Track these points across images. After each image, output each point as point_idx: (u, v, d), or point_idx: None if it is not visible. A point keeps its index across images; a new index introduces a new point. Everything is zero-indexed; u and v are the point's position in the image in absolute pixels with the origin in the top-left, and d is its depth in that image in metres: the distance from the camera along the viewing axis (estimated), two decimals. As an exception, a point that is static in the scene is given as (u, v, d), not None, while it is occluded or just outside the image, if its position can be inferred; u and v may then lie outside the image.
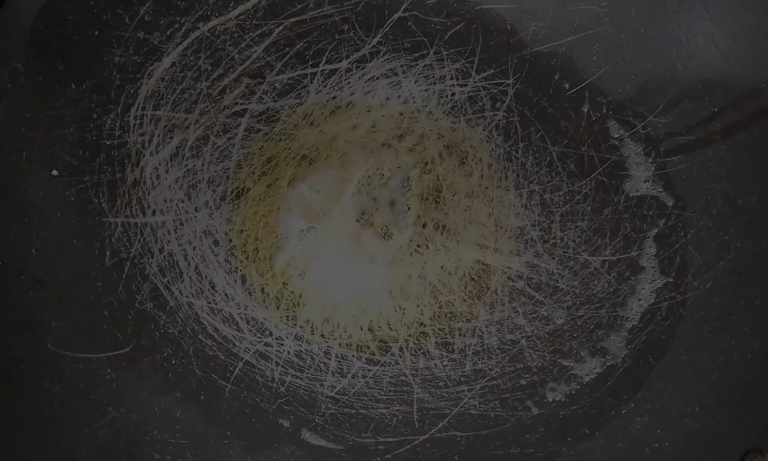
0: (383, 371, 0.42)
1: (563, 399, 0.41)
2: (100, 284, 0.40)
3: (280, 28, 0.43)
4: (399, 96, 0.43)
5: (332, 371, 0.42)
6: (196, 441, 0.39)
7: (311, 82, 0.43)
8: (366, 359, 0.42)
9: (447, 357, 0.42)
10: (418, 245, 0.42)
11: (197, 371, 0.40)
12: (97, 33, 0.40)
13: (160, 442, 0.39)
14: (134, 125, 0.41)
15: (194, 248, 0.41)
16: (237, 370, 0.41)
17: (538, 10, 0.43)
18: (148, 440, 0.39)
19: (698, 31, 0.41)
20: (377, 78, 0.43)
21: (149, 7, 0.41)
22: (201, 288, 0.41)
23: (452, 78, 0.43)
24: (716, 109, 0.41)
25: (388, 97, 0.43)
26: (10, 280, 0.38)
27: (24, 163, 0.38)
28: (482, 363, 0.42)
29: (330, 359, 0.42)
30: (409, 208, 0.42)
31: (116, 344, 0.39)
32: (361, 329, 0.42)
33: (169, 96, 0.41)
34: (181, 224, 0.41)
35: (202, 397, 0.40)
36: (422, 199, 0.43)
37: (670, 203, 0.42)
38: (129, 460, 0.38)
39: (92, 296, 0.39)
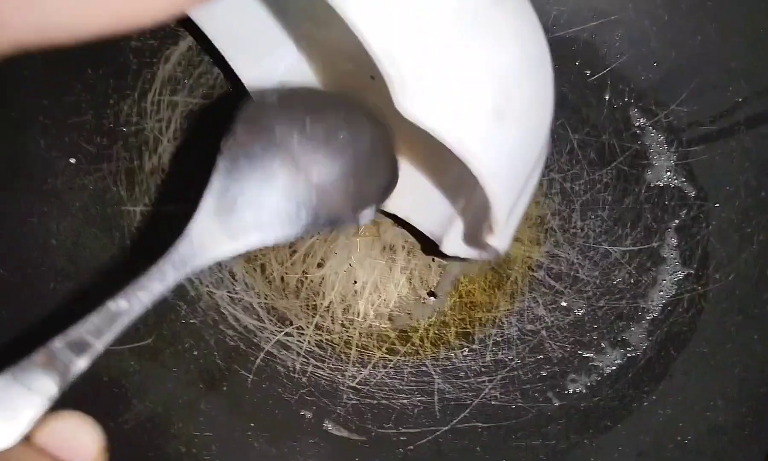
0: (404, 361, 0.42)
1: (584, 391, 0.41)
2: (121, 274, 0.39)
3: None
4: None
5: (353, 361, 0.42)
6: (221, 434, 0.39)
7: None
8: (387, 349, 0.42)
9: (467, 347, 0.42)
10: (438, 234, 0.42)
11: (219, 361, 0.40)
12: (112, 16, 0.39)
13: (186, 435, 0.39)
14: (151, 110, 0.40)
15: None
16: (258, 361, 0.41)
17: (560, -7, 0.42)
18: (174, 433, 0.39)
19: (723, 19, 0.40)
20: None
21: (166, -11, 0.40)
22: (221, 278, 0.41)
23: (471, 64, 0.43)
24: (740, 100, 0.40)
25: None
26: (31, 271, 0.37)
27: (42, 151, 0.38)
28: (502, 354, 0.42)
29: (351, 349, 0.42)
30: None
31: (138, 335, 0.39)
32: (382, 318, 0.42)
33: (186, 81, 0.41)
34: (200, 213, 0.41)
35: (224, 388, 0.40)
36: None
37: (692, 194, 0.41)
38: (155, 454, 0.38)
39: (113, 286, 0.39)
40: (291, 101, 0.32)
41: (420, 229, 0.39)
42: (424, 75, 0.25)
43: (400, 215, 0.39)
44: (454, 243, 0.37)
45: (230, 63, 0.37)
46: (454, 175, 0.37)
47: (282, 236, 0.30)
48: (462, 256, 0.37)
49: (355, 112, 0.33)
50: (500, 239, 0.32)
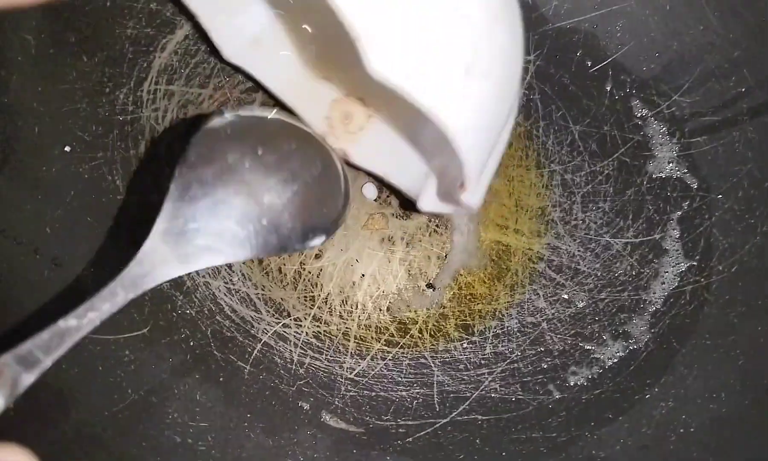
0: (402, 353, 0.41)
1: (585, 383, 0.41)
2: (115, 264, 0.39)
3: (296, 0, 0.41)
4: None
5: (351, 352, 0.41)
6: (217, 424, 0.39)
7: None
8: (385, 341, 0.41)
9: (467, 339, 0.41)
10: (437, 225, 0.42)
11: (216, 352, 0.40)
12: (108, 4, 0.39)
13: (181, 425, 0.38)
14: (147, 99, 0.40)
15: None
16: (255, 352, 0.40)
17: (561, -16, 0.42)
18: (169, 422, 0.38)
19: (726, 8, 0.40)
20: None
21: (162, -23, 0.39)
22: (218, 268, 0.41)
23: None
24: (743, 90, 0.40)
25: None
26: (26, 259, 0.37)
27: (36, 138, 0.37)
28: (502, 346, 0.41)
29: (349, 340, 0.41)
30: (428, 187, 0.42)
31: (134, 325, 0.39)
32: (380, 310, 0.41)
33: (183, 70, 0.40)
34: (197, 203, 0.40)
35: (221, 379, 0.40)
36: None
37: (695, 185, 0.41)
38: (150, 443, 0.38)
39: (108, 275, 0.38)
40: (244, 128, 0.33)
41: (397, 187, 0.39)
42: (391, 32, 0.25)
43: (377, 172, 0.39)
44: (430, 200, 0.37)
45: (201, 21, 0.37)
46: (427, 133, 0.37)
47: (232, 259, 0.31)
48: (438, 212, 0.37)
49: (307, 142, 0.35)
50: (473, 195, 0.32)
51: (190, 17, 0.39)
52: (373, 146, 0.39)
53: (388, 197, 0.41)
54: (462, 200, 0.32)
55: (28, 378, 0.26)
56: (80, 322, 0.27)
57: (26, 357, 0.26)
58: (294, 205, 0.33)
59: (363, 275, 0.42)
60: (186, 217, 0.31)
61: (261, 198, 0.32)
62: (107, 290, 0.28)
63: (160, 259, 0.30)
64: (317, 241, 0.34)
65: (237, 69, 0.39)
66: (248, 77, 0.39)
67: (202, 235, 0.31)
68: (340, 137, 0.38)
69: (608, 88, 0.41)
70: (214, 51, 0.40)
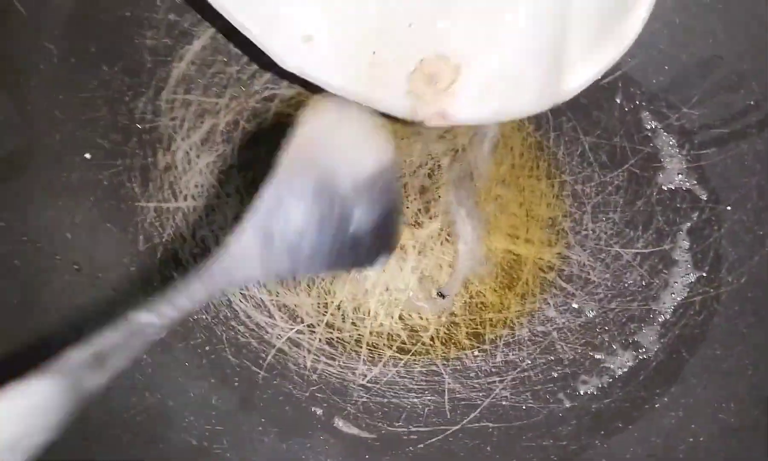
0: (414, 360, 0.42)
1: (595, 392, 0.41)
2: (134, 269, 0.39)
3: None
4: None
5: (364, 359, 0.42)
6: (231, 428, 0.39)
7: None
8: (397, 348, 0.42)
9: (478, 347, 0.42)
10: (448, 234, 0.42)
11: (231, 357, 0.40)
12: (128, 14, 0.39)
13: (197, 428, 0.39)
14: (165, 108, 0.40)
15: (226, 233, 0.41)
16: (270, 357, 0.41)
17: (573, -3, 0.42)
18: (185, 425, 0.39)
19: (733, 22, 0.40)
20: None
21: (181, -12, 0.40)
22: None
23: (484, 66, 0.43)
24: (752, 102, 0.40)
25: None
26: (47, 263, 0.38)
27: (57, 145, 0.38)
28: (513, 355, 0.42)
29: (361, 347, 0.42)
30: (439, 196, 0.42)
31: (151, 329, 0.39)
32: (392, 317, 0.42)
33: (200, 80, 0.41)
34: (213, 210, 0.41)
35: (236, 384, 0.40)
36: (453, 187, 0.42)
37: (704, 197, 0.41)
38: (166, 445, 0.38)
39: (126, 280, 0.39)
40: (337, 141, 0.32)
41: (527, 115, 0.37)
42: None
43: (492, 118, 0.37)
44: (579, 69, 0.35)
45: (253, 38, 0.35)
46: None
47: (309, 273, 0.29)
48: (595, 73, 0.36)
49: (391, 165, 0.33)
50: None
51: (208, 28, 0.40)
52: (475, 92, 0.35)
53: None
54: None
55: (97, 379, 0.23)
56: (154, 318, 0.25)
57: (97, 355, 0.23)
58: (376, 224, 0.32)
59: (375, 282, 0.42)
60: (277, 226, 0.29)
61: (350, 216, 0.30)
62: (183, 284, 0.26)
63: (245, 261, 0.28)
64: (383, 260, 0.33)
65: (253, 79, 0.39)
66: (296, 77, 0.37)
67: (289, 246, 0.29)
68: (431, 101, 0.35)
69: (618, 101, 0.42)
70: (230, 61, 0.41)
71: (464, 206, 0.42)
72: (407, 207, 0.42)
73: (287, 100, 0.42)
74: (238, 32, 0.35)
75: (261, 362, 0.41)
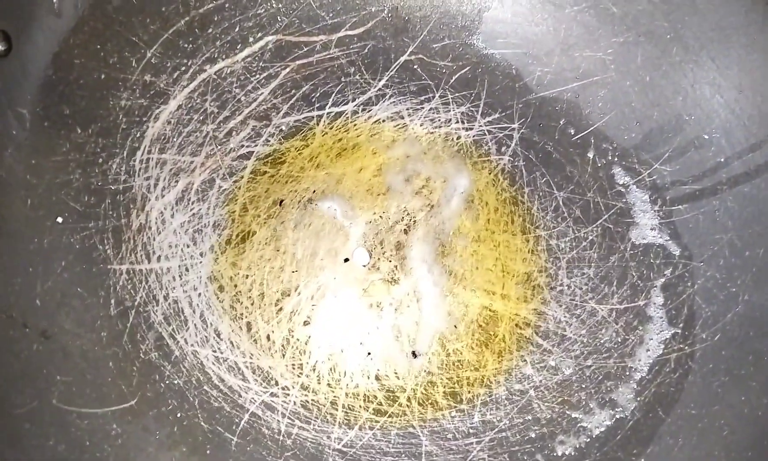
0: (391, 422, 0.41)
1: (573, 453, 0.41)
2: (105, 335, 0.39)
3: (287, 70, 0.42)
4: (405, 139, 0.43)
5: (339, 422, 0.41)
6: (203, 498, 0.39)
7: (317, 124, 0.43)
8: (373, 409, 0.41)
9: (455, 407, 0.41)
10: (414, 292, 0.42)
11: (203, 423, 0.40)
12: (103, 76, 0.39)
13: (167, 500, 0.38)
14: (140, 169, 0.40)
15: (199, 294, 0.41)
16: (243, 422, 0.40)
17: (544, 55, 0.43)
18: (155, 498, 0.38)
19: (704, 80, 0.41)
20: (383, 121, 0.43)
21: (156, 49, 0.40)
22: (206, 336, 0.41)
23: (458, 121, 0.43)
24: (722, 160, 0.41)
25: (394, 140, 0.43)
26: (15, 333, 0.37)
27: (28, 211, 0.38)
28: (491, 414, 0.41)
29: (337, 409, 0.41)
30: (414, 253, 0.42)
31: (121, 397, 0.38)
32: (368, 377, 0.42)
33: (175, 139, 0.41)
34: (186, 270, 0.41)
35: (208, 451, 0.39)
36: (428, 243, 0.42)
37: (677, 253, 0.42)
38: (136, 521, 0.37)
39: (97, 347, 0.38)
40: None
41: None
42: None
43: None
44: None
45: None
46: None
47: None
48: None
49: None
50: None
51: (184, 87, 0.40)
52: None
53: (377, 261, 0.42)
54: None
55: None
56: None
57: None
58: None
59: (351, 342, 0.42)
60: None
61: None
62: None
63: None
64: None
65: (229, 137, 0.39)
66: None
67: None
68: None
69: (591, 156, 0.43)
70: (206, 120, 0.41)
71: (427, 263, 0.42)
72: (385, 263, 0.42)
73: (263, 158, 0.42)
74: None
75: (234, 427, 0.40)
